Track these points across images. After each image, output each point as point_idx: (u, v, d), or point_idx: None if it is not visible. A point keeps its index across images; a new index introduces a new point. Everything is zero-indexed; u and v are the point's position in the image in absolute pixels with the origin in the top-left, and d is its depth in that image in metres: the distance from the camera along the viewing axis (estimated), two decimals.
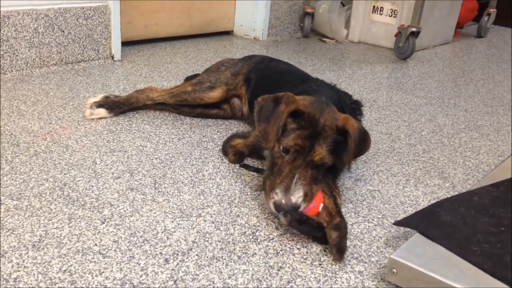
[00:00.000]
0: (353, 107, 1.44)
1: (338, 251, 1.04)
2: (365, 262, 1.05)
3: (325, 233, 1.08)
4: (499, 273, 0.91)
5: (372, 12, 3.23)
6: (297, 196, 1.08)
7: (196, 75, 1.95)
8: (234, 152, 1.43)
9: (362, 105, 1.48)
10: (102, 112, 1.65)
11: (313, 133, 1.12)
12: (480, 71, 2.86)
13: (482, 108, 2.17)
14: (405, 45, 2.90)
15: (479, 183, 1.27)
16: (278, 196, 1.08)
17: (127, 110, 1.70)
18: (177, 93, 1.67)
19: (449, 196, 1.31)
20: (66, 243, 1.02)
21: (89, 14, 2.18)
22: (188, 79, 2.02)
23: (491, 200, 1.17)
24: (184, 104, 1.71)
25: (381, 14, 3.19)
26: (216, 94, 1.67)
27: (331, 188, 1.22)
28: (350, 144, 1.12)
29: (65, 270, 0.94)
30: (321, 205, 1.13)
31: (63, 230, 1.06)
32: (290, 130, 1.13)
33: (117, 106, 1.66)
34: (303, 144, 1.11)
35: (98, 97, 1.67)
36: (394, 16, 3.13)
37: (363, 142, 1.16)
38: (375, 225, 1.19)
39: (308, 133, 1.12)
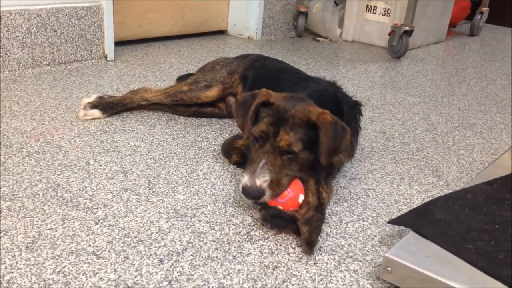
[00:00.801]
0: (354, 105, 1.44)
1: (308, 245, 1.05)
2: (360, 261, 1.05)
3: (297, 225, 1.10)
4: (493, 270, 0.91)
5: (366, 11, 3.24)
6: (262, 180, 1.10)
7: (189, 75, 1.95)
8: (238, 154, 1.41)
9: (362, 105, 1.48)
10: (96, 113, 1.64)
11: (279, 120, 1.15)
12: (473, 70, 2.88)
13: (475, 106, 2.18)
14: (398, 44, 2.91)
15: (472, 181, 1.28)
16: (244, 179, 1.11)
17: (121, 111, 1.70)
18: (173, 93, 1.67)
19: (443, 194, 1.31)
20: (60, 244, 1.02)
21: (82, 14, 2.17)
22: (180, 78, 2.01)
23: (485, 198, 1.17)
24: (180, 104, 1.70)
25: (375, 13, 3.20)
26: (212, 93, 1.67)
27: (319, 183, 1.22)
28: (321, 138, 1.14)
29: (59, 271, 0.94)
30: (301, 195, 1.14)
31: (56, 231, 1.06)
32: (260, 120, 1.18)
33: (111, 107, 1.66)
34: (267, 130, 1.15)
35: (92, 98, 1.66)
36: (387, 15, 3.14)
37: (339, 137, 1.16)
38: (370, 224, 1.19)
39: (274, 120, 1.16)
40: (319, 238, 1.08)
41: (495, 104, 2.25)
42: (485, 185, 1.24)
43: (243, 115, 1.22)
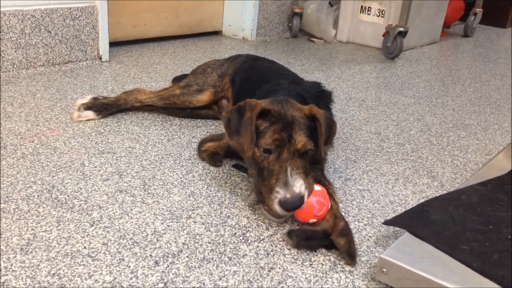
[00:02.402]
0: (317, 96, 1.45)
1: (350, 257, 1.04)
2: (356, 262, 1.06)
3: (331, 239, 1.07)
4: (487, 271, 0.92)
5: (360, 12, 3.25)
6: (298, 186, 1.06)
7: (184, 75, 1.94)
8: (207, 154, 1.42)
9: (330, 92, 1.48)
10: (90, 114, 1.63)
11: (286, 125, 1.12)
12: (467, 70, 2.89)
13: (469, 107, 2.19)
14: (393, 44, 2.92)
15: (467, 182, 1.28)
16: (280, 193, 1.06)
17: (116, 112, 1.69)
18: (166, 96, 1.66)
19: (437, 195, 1.32)
20: (55, 246, 1.01)
21: (76, 14, 2.16)
22: (176, 79, 2.01)
23: (479, 199, 1.18)
24: (173, 107, 1.70)
25: (369, 14, 3.21)
26: (205, 97, 1.66)
27: (325, 185, 1.23)
28: (321, 129, 1.14)
29: (54, 274, 0.94)
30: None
31: (51, 233, 1.05)
32: (264, 130, 1.13)
33: (105, 108, 1.65)
34: (281, 137, 1.11)
35: (87, 99, 1.65)
36: (382, 16, 3.15)
37: (330, 127, 1.19)
38: (365, 225, 1.20)
39: (282, 126, 1.12)
40: (356, 247, 1.06)
41: (489, 105, 2.26)
42: (479, 186, 1.25)
43: (236, 132, 1.15)
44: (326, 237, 1.08)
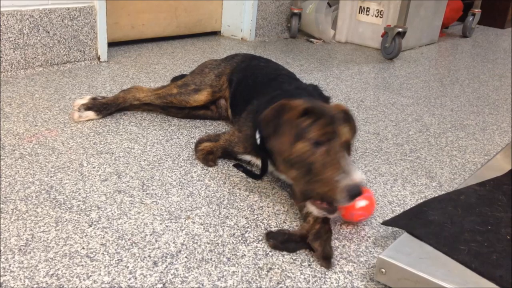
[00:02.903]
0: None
1: (324, 259, 1.03)
2: (354, 262, 1.06)
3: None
4: (486, 271, 0.92)
5: (359, 13, 3.25)
6: (358, 173, 1.04)
7: (182, 76, 1.94)
8: (203, 153, 1.42)
9: (328, 97, 1.48)
10: (91, 114, 1.63)
11: (330, 120, 1.12)
12: (465, 71, 2.89)
13: (468, 108, 2.20)
14: (391, 45, 2.92)
15: (465, 182, 1.29)
16: (343, 182, 1.02)
17: (115, 111, 1.69)
18: (163, 95, 1.66)
19: (436, 195, 1.32)
20: (53, 246, 1.01)
21: (75, 15, 2.16)
22: (174, 79, 2.01)
23: (478, 199, 1.18)
24: (170, 106, 1.70)
25: (368, 15, 3.21)
26: (202, 97, 1.65)
27: None
28: (354, 124, 1.20)
29: (52, 274, 0.93)
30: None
31: (49, 233, 1.05)
32: (308, 126, 1.10)
33: (105, 108, 1.65)
34: (331, 130, 1.09)
35: (85, 99, 1.65)
36: (380, 17, 3.15)
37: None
38: (364, 225, 1.20)
39: (327, 120, 1.11)
40: (332, 249, 1.06)
41: (487, 105, 2.26)
42: (478, 186, 1.25)
43: (275, 133, 1.13)
44: (303, 240, 1.07)
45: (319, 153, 1.08)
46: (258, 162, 1.35)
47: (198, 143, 1.46)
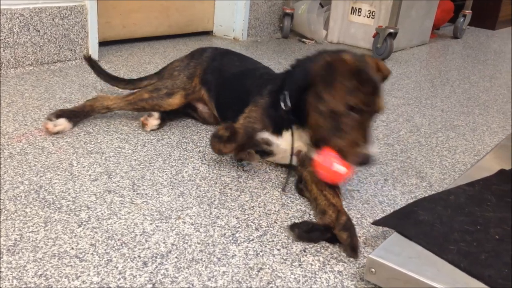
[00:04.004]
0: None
1: (353, 250, 1.07)
2: (345, 262, 1.06)
3: (333, 233, 1.10)
4: (475, 271, 0.92)
5: (351, 13, 3.26)
6: (374, 148, 1.17)
7: (146, 77, 1.89)
8: (225, 137, 1.31)
9: None
10: (64, 122, 1.53)
11: (374, 89, 1.16)
12: (456, 72, 2.91)
13: (458, 108, 2.21)
14: (383, 46, 2.93)
15: (455, 183, 1.29)
16: (363, 149, 1.14)
17: (84, 119, 1.62)
18: (134, 101, 1.60)
19: (426, 195, 1.32)
20: (42, 247, 1.01)
21: (65, 13, 2.15)
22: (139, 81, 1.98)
23: (467, 199, 1.19)
24: (142, 111, 1.64)
25: (359, 15, 3.22)
26: (175, 100, 1.60)
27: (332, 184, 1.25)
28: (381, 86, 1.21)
29: (40, 275, 0.93)
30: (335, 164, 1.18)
31: (38, 233, 1.04)
32: (355, 90, 1.15)
33: (74, 115, 1.57)
34: (369, 100, 1.15)
35: (53, 111, 1.59)
36: (372, 17, 3.16)
37: None
38: (354, 225, 1.20)
39: (371, 89, 1.16)
40: (358, 239, 1.09)
41: (477, 106, 2.27)
42: (467, 187, 1.25)
43: (329, 85, 1.18)
44: (327, 230, 1.11)
45: (354, 118, 1.16)
46: (277, 141, 1.36)
47: (216, 132, 1.35)
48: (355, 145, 1.15)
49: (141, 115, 1.64)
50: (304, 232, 1.10)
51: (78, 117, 1.59)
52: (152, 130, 1.61)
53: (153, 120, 1.61)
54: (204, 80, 1.63)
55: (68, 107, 1.64)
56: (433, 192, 1.36)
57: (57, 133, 1.52)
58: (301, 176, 1.32)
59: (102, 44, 2.47)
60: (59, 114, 1.54)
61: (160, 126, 1.63)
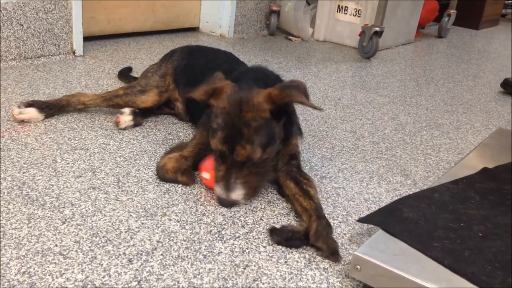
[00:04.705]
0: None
1: (332, 255, 1.05)
2: (330, 259, 1.06)
3: None
4: (458, 268, 0.93)
5: (337, 11, 3.27)
6: (236, 194, 1.16)
7: (129, 68, 2.07)
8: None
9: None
10: (32, 111, 1.53)
11: (232, 132, 1.12)
12: (440, 71, 2.94)
13: (442, 107, 2.23)
14: (368, 44, 2.94)
15: (439, 180, 1.31)
16: (218, 190, 1.17)
17: (58, 113, 1.60)
18: (109, 97, 1.61)
19: (411, 193, 1.34)
20: (25, 244, 0.99)
21: (50, 8, 2.12)
22: (121, 72, 2.03)
23: (451, 197, 1.20)
24: (116, 108, 1.62)
25: (346, 14, 3.23)
26: (148, 97, 1.61)
27: (300, 182, 1.24)
28: (298, 101, 1.13)
29: (24, 272, 0.91)
30: (204, 173, 1.24)
31: (21, 230, 1.03)
32: (215, 129, 1.15)
33: (47, 107, 1.56)
34: (222, 149, 1.13)
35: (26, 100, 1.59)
36: (358, 16, 3.18)
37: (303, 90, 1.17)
38: (340, 222, 1.21)
39: (226, 134, 1.13)
40: (336, 242, 1.08)
41: (461, 104, 2.30)
42: (451, 184, 1.27)
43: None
44: (307, 237, 1.09)
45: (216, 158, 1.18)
46: None
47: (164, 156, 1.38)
48: (217, 186, 1.17)
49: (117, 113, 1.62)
50: (284, 240, 1.09)
51: (52, 109, 1.58)
52: (126, 127, 1.58)
53: (125, 117, 1.57)
54: (175, 79, 1.65)
55: None
56: (418, 190, 1.37)
57: (23, 121, 1.52)
58: (278, 182, 1.30)
59: (87, 39, 2.44)
60: (30, 103, 1.55)
61: (135, 124, 1.59)
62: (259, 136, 1.12)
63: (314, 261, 1.05)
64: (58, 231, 1.04)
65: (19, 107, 1.52)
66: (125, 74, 2.03)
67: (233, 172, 1.14)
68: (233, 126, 1.12)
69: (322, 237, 1.07)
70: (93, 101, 1.61)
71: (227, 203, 1.18)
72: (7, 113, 1.58)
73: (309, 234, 1.09)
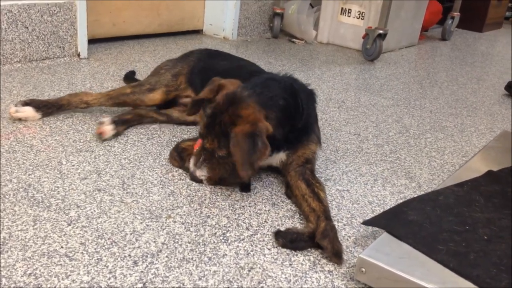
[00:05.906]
0: (309, 93, 1.41)
1: (335, 256, 1.05)
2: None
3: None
4: (463, 271, 0.93)
5: (340, 14, 3.27)
6: (200, 173, 1.28)
7: (133, 72, 2.05)
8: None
9: (315, 94, 1.44)
10: (29, 110, 1.54)
11: (212, 123, 1.20)
12: (444, 73, 2.94)
13: (446, 110, 2.23)
14: (372, 46, 2.95)
15: (444, 183, 1.31)
16: (190, 165, 1.30)
17: (57, 112, 1.61)
18: (115, 95, 1.60)
19: (415, 195, 1.34)
20: (31, 245, 1.00)
21: (54, 10, 2.13)
22: (126, 77, 2.03)
23: (456, 200, 1.20)
24: (123, 107, 1.63)
25: (349, 16, 3.24)
26: (156, 95, 1.61)
27: (311, 184, 1.25)
28: (231, 148, 1.15)
29: (30, 274, 0.92)
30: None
31: (27, 232, 1.04)
32: (205, 115, 1.24)
33: (45, 106, 1.57)
34: (202, 132, 1.24)
35: (23, 99, 1.60)
36: (361, 18, 3.18)
37: (252, 152, 1.14)
38: (344, 225, 1.21)
39: (208, 123, 1.21)
40: (341, 245, 1.07)
41: (465, 107, 2.30)
42: (456, 187, 1.27)
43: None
44: (311, 239, 1.09)
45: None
46: None
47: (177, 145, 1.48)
48: (191, 161, 1.30)
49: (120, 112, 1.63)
50: (289, 242, 1.09)
51: (50, 108, 1.58)
52: (109, 138, 1.50)
53: (107, 126, 1.49)
54: (190, 80, 1.64)
55: None
56: (422, 193, 1.37)
57: (20, 119, 1.54)
58: (288, 182, 1.32)
59: (92, 41, 2.45)
60: (28, 102, 1.56)
61: (117, 134, 1.52)
62: (224, 138, 1.18)
63: (319, 264, 1.05)
64: (63, 233, 1.05)
65: (16, 105, 1.54)
66: (130, 78, 2.03)
67: (204, 154, 1.25)
68: (215, 119, 1.20)
69: (329, 236, 1.07)
70: (97, 100, 1.61)
71: (192, 177, 1.30)
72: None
73: (316, 232, 1.09)
